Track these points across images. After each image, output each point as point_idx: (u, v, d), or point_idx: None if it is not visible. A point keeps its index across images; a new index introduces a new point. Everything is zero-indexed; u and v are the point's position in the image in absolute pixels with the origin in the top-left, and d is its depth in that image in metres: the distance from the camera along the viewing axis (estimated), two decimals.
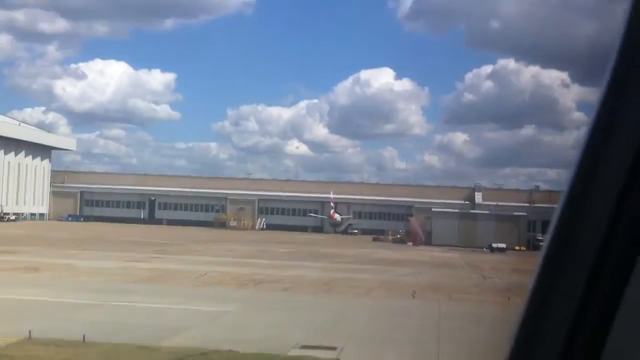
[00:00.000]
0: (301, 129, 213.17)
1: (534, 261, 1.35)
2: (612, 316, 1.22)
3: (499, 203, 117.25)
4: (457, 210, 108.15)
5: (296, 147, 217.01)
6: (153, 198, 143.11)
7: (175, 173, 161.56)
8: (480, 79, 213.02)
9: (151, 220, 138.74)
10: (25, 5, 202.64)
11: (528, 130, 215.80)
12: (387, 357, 18.32)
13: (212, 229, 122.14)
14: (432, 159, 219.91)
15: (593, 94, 1.39)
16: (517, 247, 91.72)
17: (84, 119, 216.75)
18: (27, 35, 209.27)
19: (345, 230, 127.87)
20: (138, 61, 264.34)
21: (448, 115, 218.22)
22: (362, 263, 54.70)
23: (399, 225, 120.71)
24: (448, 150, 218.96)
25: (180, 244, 69.15)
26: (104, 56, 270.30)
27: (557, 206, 1.34)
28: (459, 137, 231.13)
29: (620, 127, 1.29)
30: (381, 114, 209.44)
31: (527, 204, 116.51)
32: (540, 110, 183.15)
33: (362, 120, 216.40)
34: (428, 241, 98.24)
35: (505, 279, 43.28)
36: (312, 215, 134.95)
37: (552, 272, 1.30)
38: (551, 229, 1.33)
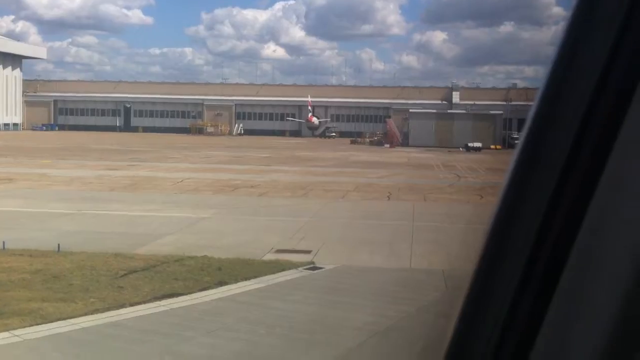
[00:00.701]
0: (277, 32, 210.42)
1: (508, 159, 1.32)
2: (585, 210, 1.18)
3: (476, 102, 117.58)
4: (434, 111, 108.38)
5: (273, 50, 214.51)
6: (128, 105, 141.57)
7: (150, 80, 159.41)
8: None
9: (127, 128, 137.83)
10: None
11: (507, 28, 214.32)
12: (360, 258, 18.64)
13: (189, 135, 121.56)
14: (411, 59, 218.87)
15: None
16: (492, 146, 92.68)
17: (55, 27, 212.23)
18: None
19: (323, 133, 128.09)
20: None
21: (427, 14, 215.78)
22: (338, 166, 55.02)
23: (378, 128, 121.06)
24: (427, 50, 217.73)
25: (156, 151, 68.88)
26: None
27: (533, 103, 1.31)
28: (438, 36, 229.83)
29: (598, 19, 1.23)
30: (359, 14, 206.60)
31: (504, 102, 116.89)
32: (520, 6, 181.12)
33: (339, 21, 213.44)
34: (405, 142, 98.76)
35: (479, 178, 43.91)
36: (290, 119, 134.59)
37: (526, 169, 1.27)
38: (526, 126, 1.29)
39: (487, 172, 48.16)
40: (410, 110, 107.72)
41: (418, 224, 24.56)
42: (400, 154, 76.51)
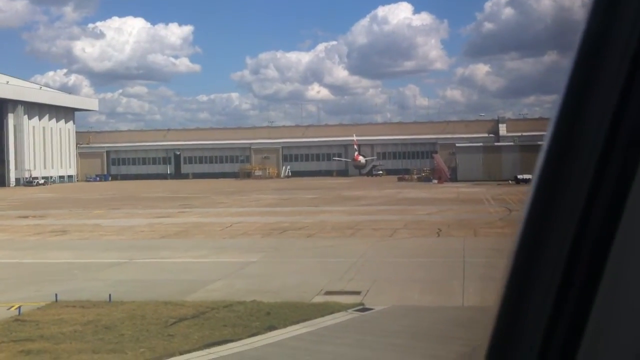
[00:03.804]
0: (321, 73, 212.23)
1: None
2: (613, 236, 1.16)
3: (524, 133, 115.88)
4: (480, 144, 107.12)
5: (317, 91, 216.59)
6: (178, 153, 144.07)
7: (198, 126, 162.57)
8: (500, 6, 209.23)
9: (177, 175, 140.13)
10: None
11: (551, 57, 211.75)
12: (411, 298, 18.31)
13: (237, 179, 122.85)
14: (455, 94, 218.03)
15: None
16: None
17: (106, 79, 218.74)
18: None
19: (370, 172, 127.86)
20: (155, 16, 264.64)
21: (469, 47, 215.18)
22: (386, 204, 54.70)
23: (425, 164, 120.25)
24: (470, 84, 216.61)
25: (205, 197, 69.70)
26: (121, 14, 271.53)
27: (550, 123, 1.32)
28: (481, 69, 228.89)
29: (615, 33, 1.22)
30: (401, 50, 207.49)
31: None
32: (563, 34, 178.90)
33: (381, 59, 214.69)
34: (454, 177, 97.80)
35: None
36: (336, 159, 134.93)
37: (548, 194, 1.28)
38: (545, 150, 1.30)
39: None
40: (457, 145, 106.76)
41: (470, 260, 24.08)
42: (448, 190, 75.72)
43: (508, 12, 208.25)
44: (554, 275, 1.22)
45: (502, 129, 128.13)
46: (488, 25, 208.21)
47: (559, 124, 1.29)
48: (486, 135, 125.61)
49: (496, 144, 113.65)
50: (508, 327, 1.28)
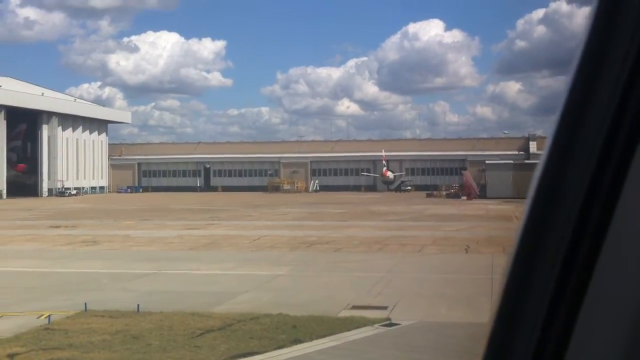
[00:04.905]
0: (351, 88, 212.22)
1: None
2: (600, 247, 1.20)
3: None
4: (511, 162, 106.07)
5: (347, 106, 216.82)
6: (208, 166, 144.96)
7: (228, 139, 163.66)
8: (532, 24, 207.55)
9: (207, 187, 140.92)
10: None
11: None
12: (438, 313, 18.20)
13: (266, 193, 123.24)
14: (485, 111, 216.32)
15: None
16: None
17: (139, 92, 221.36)
18: (80, 12, 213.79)
19: (398, 187, 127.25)
20: (188, 31, 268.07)
21: (500, 65, 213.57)
22: (414, 220, 54.44)
23: (453, 180, 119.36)
24: (501, 101, 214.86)
25: (234, 210, 70.05)
26: (155, 28, 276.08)
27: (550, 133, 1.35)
28: (512, 87, 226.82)
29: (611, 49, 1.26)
30: (431, 67, 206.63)
31: None
32: None
33: (412, 75, 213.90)
34: (483, 194, 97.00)
35: None
36: (365, 174, 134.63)
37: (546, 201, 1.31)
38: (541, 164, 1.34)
39: None
40: (487, 162, 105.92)
41: (498, 277, 23.83)
42: (477, 206, 75.12)
43: (540, 29, 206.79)
44: (544, 292, 1.25)
45: (533, 147, 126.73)
46: (520, 43, 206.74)
47: (557, 136, 1.34)
48: (516, 152, 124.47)
49: (526, 161, 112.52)
50: (502, 337, 1.32)
